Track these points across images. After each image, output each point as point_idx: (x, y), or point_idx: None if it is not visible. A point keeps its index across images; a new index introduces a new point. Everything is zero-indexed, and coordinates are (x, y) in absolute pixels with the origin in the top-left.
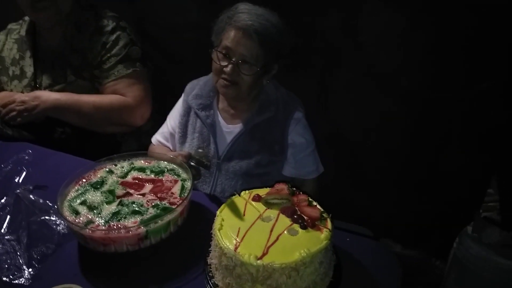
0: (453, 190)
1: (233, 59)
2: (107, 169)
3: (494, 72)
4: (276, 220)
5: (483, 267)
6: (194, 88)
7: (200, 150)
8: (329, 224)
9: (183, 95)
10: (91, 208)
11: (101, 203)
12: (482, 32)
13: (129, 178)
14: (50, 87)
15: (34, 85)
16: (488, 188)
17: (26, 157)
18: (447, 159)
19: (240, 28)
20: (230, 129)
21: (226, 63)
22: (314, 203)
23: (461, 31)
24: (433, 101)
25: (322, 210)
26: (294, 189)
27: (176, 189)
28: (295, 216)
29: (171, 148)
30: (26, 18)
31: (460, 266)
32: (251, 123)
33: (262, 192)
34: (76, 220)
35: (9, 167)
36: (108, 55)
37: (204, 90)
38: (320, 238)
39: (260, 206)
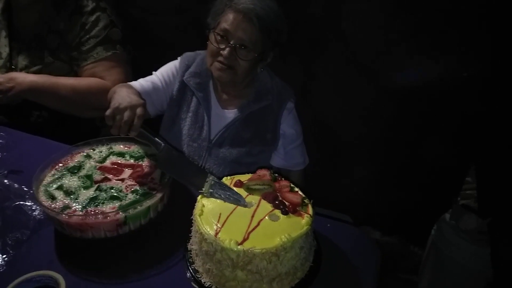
0: (432, 178)
1: (231, 42)
2: (85, 154)
3: (474, 62)
4: (258, 206)
5: (460, 253)
6: (190, 63)
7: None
8: (310, 209)
9: (178, 64)
10: (67, 193)
11: (78, 188)
12: (463, 22)
13: (107, 163)
14: (26, 69)
15: (10, 67)
16: (466, 176)
17: (1, 141)
18: (426, 148)
19: (240, 11)
20: (224, 114)
21: (223, 46)
22: (296, 189)
23: (442, 20)
24: (413, 90)
25: (303, 196)
26: (276, 175)
27: (156, 174)
28: (277, 202)
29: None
30: None
31: (437, 253)
32: (248, 110)
33: (244, 178)
34: (52, 205)
35: None
36: (87, 36)
37: (202, 68)
38: (301, 223)
39: (241, 192)
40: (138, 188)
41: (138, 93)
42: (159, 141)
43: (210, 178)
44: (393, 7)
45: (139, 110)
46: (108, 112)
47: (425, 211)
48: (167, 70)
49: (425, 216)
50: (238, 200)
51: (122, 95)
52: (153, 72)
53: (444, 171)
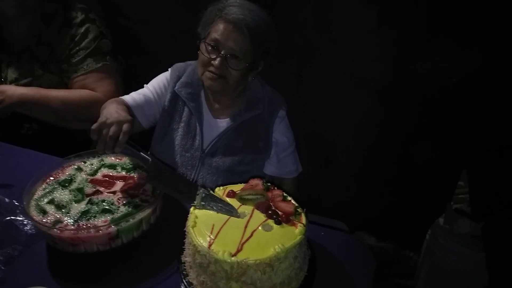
0: (425, 183)
1: (222, 52)
2: (76, 167)
3: (463, 67)
4: (251, 216)
5: (454, 258)
6: (181, 73)
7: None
8: (303, 219)
9: (169, 76)
10: (59, 207)
11: (70, 201)
12: (452, 27)
13: (99, 175)
14: (16, 81)
15: None
16: (458, 180)
17: None
18: (418, 153)
19: (231, 22)
20: (216, 123)
21: (214, 56)
22: (289, 198)
23: (432, 25)
24: (404, 96)
25: (296, 205)
26: (269, 184)
27: (148, 186)
28: (270, 212)
29: (136, 116)
30: None
31: (432, 257)
32: (240, 119)
33: (237, 188)
34: (44, 220)
35: None
36: (77, 48)
37: (194, 78)
38: (294, 233)
39: (234, 202)
40: (130, 200)
41: (127, 110)
42: (146, 156)
43: (201, 190)
44: (383, 14)
45: (125, 126)
46: (94, 126)
47: (419, 215)
48: (159, 82)
49: (419, 221)
50: (230, 211)
51: (110, 111)
52: (145, 85)
53: (437, 176)
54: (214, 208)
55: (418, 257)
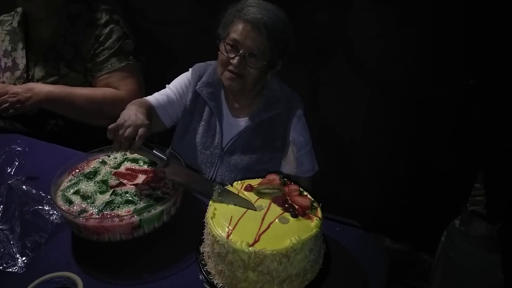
0: (441, 185)
1: (241, 52)
2: (100, 160)
3: (480, 69)
4: (268, 209)
5: (470, 260)
6: (202, 73)
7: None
8: (319, 213)
9: (190, 76)
10: (84, 197)
11: (95, 192)
12: (468, 29)
13: (122, 168)
14: (42, 80)
15: (27, 77)
16: (475, 182)
17: (18, 148)
18: (435, 155)
19: (249, 21)
20: (236, 122)
21: (233, 55)
22: (305, 193)
23: (448, 27)
24: (421, 97)
25: (312, 199)
26: (286, 179)
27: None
28: (286, 205)
29: (160, 117)
30: (19, 9)
31: (447, 259)
32: (258, 119)
33: (254, 182)
34: (70, 209)
35: (1, 158)
36: (101, 48)
37: (214, 78)
38: (310, 226)
39: (252, 196)
40: (152, 192)
41: (146, 113)
42: (162, 156)
43: (217, 187)
44: (399, 15)
45: (141, 130)
46: (111, 126)
47: (434, 217)
48: (180, 82)
49: (434, 223)
50: (247, 204)
51: (129, 113)
52: (167, 85)
53: (453, 178)
54: (232, 202)
55: (433, 259)
